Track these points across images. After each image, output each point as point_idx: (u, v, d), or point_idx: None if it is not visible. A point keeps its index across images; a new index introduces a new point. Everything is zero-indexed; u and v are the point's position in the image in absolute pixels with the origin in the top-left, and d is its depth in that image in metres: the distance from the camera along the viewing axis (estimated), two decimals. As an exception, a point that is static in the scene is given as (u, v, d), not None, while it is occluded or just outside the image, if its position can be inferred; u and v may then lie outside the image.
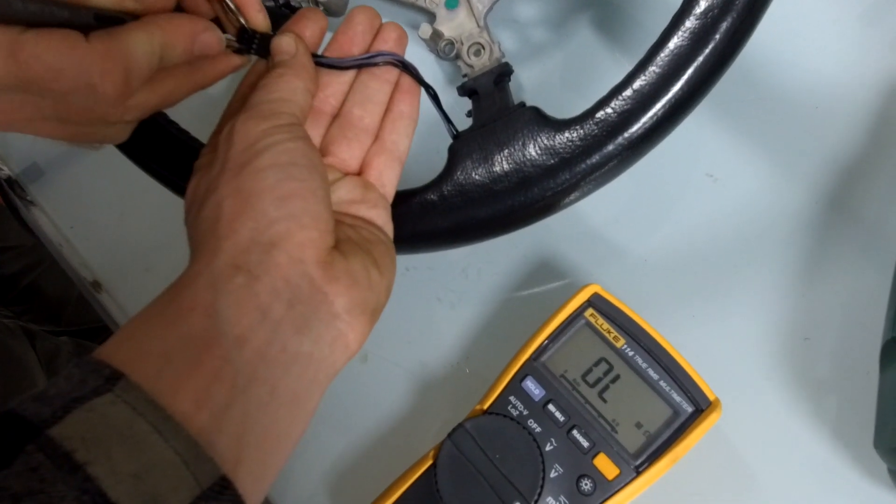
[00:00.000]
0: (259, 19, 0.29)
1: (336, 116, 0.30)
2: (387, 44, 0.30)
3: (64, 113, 0.25)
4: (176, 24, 0.26)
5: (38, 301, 0.78)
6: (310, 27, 0.30)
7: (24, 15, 0.22)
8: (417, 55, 0.42)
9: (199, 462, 0.19)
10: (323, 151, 0.30)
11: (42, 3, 0.23)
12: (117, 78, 0.24)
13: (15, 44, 0.22)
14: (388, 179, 0.30)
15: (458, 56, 0.37)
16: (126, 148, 0.34)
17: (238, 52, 0.29)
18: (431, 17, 0.38)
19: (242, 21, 0.28)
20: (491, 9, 0.38)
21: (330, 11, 0.40)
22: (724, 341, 0.36)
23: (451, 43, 0.38)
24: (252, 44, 0.29)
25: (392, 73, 0.31)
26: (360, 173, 0.30)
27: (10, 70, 0.22)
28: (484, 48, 0.37)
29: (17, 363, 0.70)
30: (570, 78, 0.43)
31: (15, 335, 0.72)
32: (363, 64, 0.30)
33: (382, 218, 0.29)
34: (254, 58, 0.30)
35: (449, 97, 0.39)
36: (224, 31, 0.28)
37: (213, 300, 0.22)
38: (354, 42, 0.30)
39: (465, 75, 0.37)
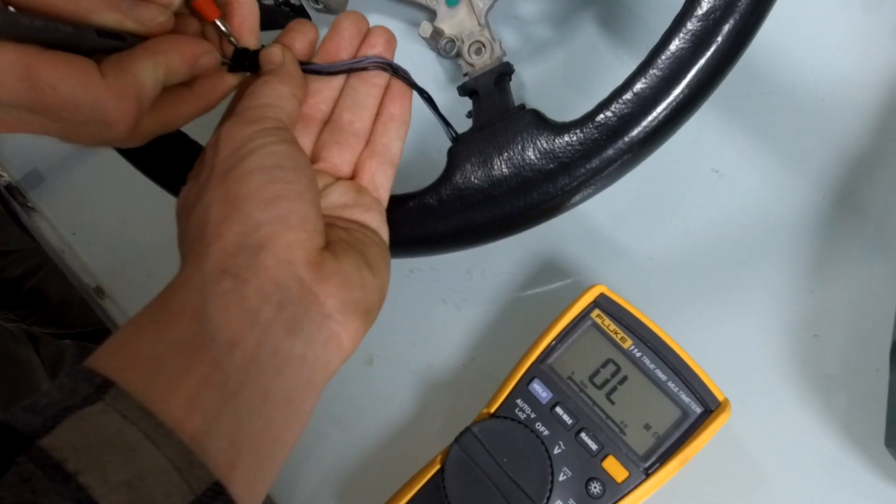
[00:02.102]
0: (252, 41, 0.29)
1: (327, 122, 0.30)
2: (374, 48, 0.30)
3: (70, 134, 0.25)
4: (180, 49, 0.26)
5: (41, 304, 0.78)
6: (299, 39, 0.30)
7: (30, 31, 0.23)
8: (418, 53, 0.42)
9: (191, 468, 0.19)
10: (315, 157, 0.30)
11: (47, 19, 0.23)
12: (131, 114, 0.24)
13: (31, 68, 0.22)
14: (380, 183, 0.30)
15: (458, 54, 0.37)
16: (126, 151, 0.34)
17: (232, 69, 0.29)
18: (432, 14, 0.38)
19: (234, 41, 0.29)
20: (492, 6, 0.37)
21: (330, 9, 0.40)
22: (733, 339, 0.36)
23: (451, 41, 0.37)
24: (245, 62, 0.29)
25: (381, 77, 0.30)
26: (352, 177, 0.30)
27: (26, 94, 0.22)
28: (485, 46, 0.37)
29: (21, 368, 0.70)
30: (572, 76, 0.42)
31: (18, 339, 0.72)
32: (351, 69, 0.30)
33: (377, 221, 0.29)
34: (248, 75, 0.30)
35: (450, 96, 0.39)
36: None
37: (201, 305, 0.22)
38: (342, 48, 0.30)
39: (465, 74, 0.37)
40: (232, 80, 0.29)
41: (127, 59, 0.25)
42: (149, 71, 0.25)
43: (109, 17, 0.24)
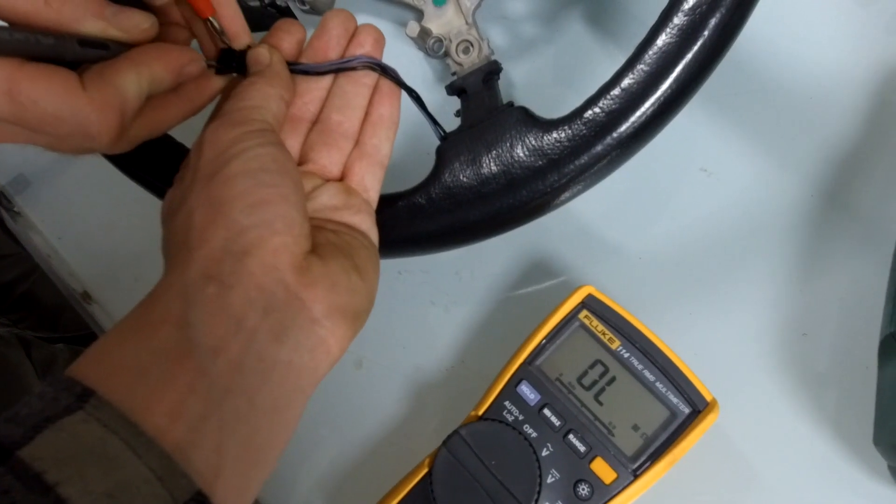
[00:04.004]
0: (243, 40, 0.29)
1: (315, 123, 0.30)
2: (363, 47, 0.30)
3: (54, 145, 0.25)
4: (164, 58, 0.26)
5: (34, 308, 0.78)
6: (286, 39, 0.30)
7: (11, 44, 0.22)
8: (406, 53, 0.42)
9: (173, 477, 0.19)
10: (303, 158, 0.29)
11: (27, 32, 0.23)
12: (114, 125, 0.24)
13: (12, 82, 0.22)
14: (370, 184, 0.29)
15: (446, 54, 0.37)
16: (112, 156, 0.34)
17: (220, 72, 0.29)
18: (419, 14, 0.38)
19: (226, 42, 0.28)
20: (479, 5, 0.37)
21: (316, 10, 0.39)
22: (722, 337, 0.36)
23: (439, 41, 0.37)
24: (233, 63, 0.29)
25: (370, 77, 0.30)
26: (341, 179, 0.29)
27: (7, 109, 0.22)
28: (472, 45, 0.36)
29: (13, 372, 0.70)
30: (561, 74, 0.42)
31: (10, 344, 0.72)
32: (339, 69, 0.30)
33: (366, 223, 0.28)
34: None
35: (438, 96, 0.39)
36: (204, 51, 0.29)
37: (184, 311, 0.21)
38: (329, 47, 0.30)
39: (453, 73, 0.37)
40: (218, 82, 0.29)
41: (110, 69, 0.25)
42: (132, 82, 0.25)
43: (93, 26, 0.24)
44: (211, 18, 0.28)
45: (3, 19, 0.23)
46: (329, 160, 0.29)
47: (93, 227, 0.46)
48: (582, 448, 0.30)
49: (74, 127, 0.24)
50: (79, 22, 0.24)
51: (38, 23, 0.23)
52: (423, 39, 0.38)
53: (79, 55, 0.24)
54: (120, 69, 0.25)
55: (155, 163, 0.33)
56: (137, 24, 0.25)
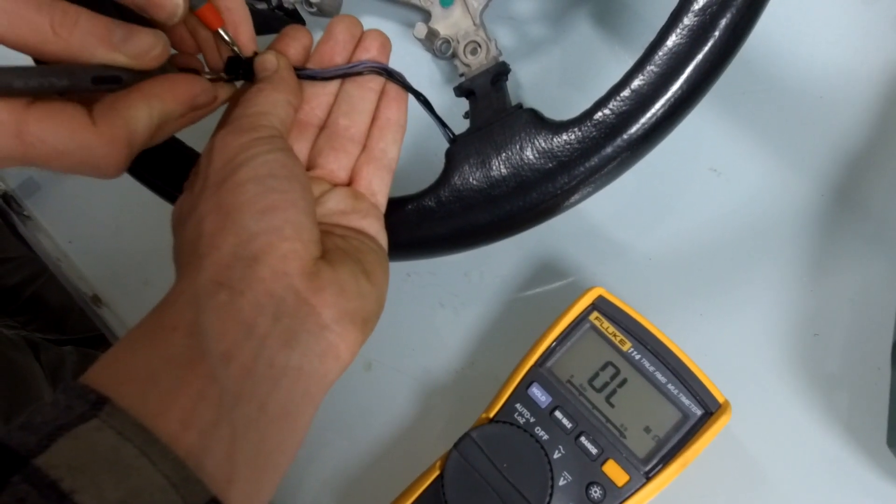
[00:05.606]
0: (251, 48, 0.29)
1: (323, 128, 0.30)
2: (369, 52, 0.30)
3: (61, 171, 0.25)
4: (176, 91, 0.26)
5: (42, 310, 0.78)
6: (293, 45, 0.30)
7: (25, 91, 0.23)
8: (414, 55, 0.42)
9: (187, 484, 0.19)
10: (311, 163, 0.29)
11: (41, 76, 0.23)
12: (122, 158, 0.25)
13: (21, 124, 0.22)
14: (378, 188, 0.29)
15: (454, 55, 0.37)
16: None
17: (227, 81, 0.29)
18: (426, 15, 0.38)
19: (236, 50, 0.29)
20: (486, 6, 0.37)
21: (324, 12, 0.39)
22: (733, 339, 0.36)
23: (447, 42, 0.37)
24: (240, 70, 0.29)
25: (377, 81, 0.30)
26: (349, 184, 0.30)
27: (16, 149, 0.23)
28: (480, 46, 0.36)
29: (22, 376, 0.70)
30: (569, 75, 0.42)
31: (18, 347, 0.72)
32: (346, 74, 0.30)
33: (374, 227, 0.28)
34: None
35: (446, 97, 0.38)
36: (207, 55, 0.29)
37: (196, 318, 0.22)
38: (336, 52, 0.30)
39: (461, 75, 0.36)
40: (223, 94, 0.29)
41: (121, 102, 0.25)
42: (143, 115, 0.25)
43: (103, 55, 0.24)
44: (220, 30, 0.28)
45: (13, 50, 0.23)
46: (337, 165, 0.29)
47: (102, 230, 0.46)
48: (594, 450, 0.30)
49: (81, 161, 0.24)
50: (88, 51, 0.24)
51: (47, 54, 0.23)
52: (431, 41, 0.37)
53: (91, 90, 0.24)
54: (131, 103, 0.25)
55: (166, 168, 0.33)
56: (147, 49, 0.25)
